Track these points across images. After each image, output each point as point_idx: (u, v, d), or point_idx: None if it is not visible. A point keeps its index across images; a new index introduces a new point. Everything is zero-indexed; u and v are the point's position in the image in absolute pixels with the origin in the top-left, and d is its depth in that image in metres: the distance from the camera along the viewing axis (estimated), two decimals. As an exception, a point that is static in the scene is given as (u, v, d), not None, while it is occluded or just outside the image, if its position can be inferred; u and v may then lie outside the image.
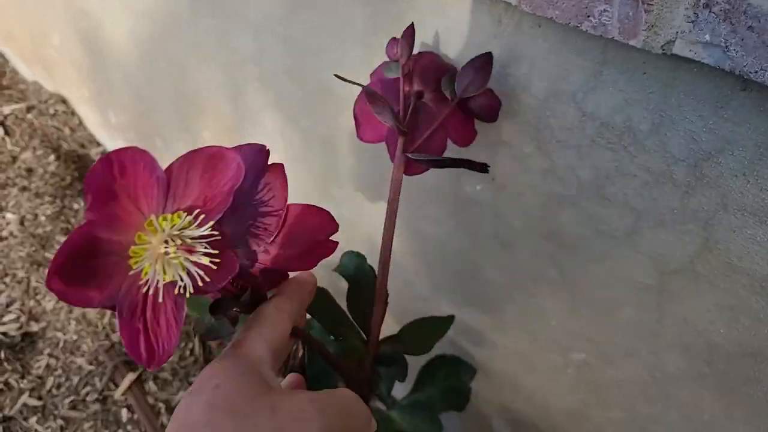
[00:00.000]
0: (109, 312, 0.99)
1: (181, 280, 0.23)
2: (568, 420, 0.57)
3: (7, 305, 1.02)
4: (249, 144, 0.29)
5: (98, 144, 1.40)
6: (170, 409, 0.87)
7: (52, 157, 1.32)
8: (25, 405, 0.88)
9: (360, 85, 0.40)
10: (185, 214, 0.24)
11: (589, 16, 0.34)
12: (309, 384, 0.43)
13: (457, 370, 0.61)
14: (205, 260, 0.23)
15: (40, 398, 0.89)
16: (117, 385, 0.89)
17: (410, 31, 0.42)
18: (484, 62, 0.41)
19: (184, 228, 0.23)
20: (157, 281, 0.23)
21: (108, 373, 0.91)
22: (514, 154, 0.46)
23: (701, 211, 0.37)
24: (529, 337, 0.56)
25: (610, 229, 0.43)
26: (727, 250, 0.37)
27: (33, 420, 0.86)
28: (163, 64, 0.88)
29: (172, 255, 0.23)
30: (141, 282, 0.23)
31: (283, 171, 0.28)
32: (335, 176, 0.68)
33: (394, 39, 0.43)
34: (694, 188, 0.36)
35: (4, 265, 1.08)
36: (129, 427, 0.84)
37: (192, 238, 0.23)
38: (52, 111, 1.46)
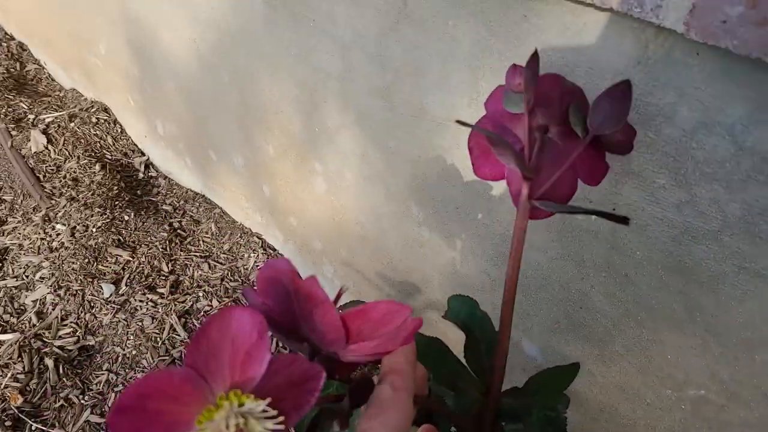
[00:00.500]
0: (168, 326, 0.98)
1: None
2: (678, 456, 0.55)
3: (62, 318, 1.01)
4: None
5: (142, 153, 1.39)
6: None
7: (97, 167, 1.31)
8: (87, 422, 0.87)
9: (485, 131, 0.36)
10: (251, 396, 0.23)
11: (774, 49, 0.32)
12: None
13: (552, 398, 0.59)
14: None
15: (102, 416, 0.88)
16: (180, 403, 0.88)
17: (535, 59, 0.37)
18: (622, 92, 0.35)
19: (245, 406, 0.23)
20: None
21: (170, 391, 0.90)
22: (643, 186, 0.44)
23: None
24: (637, 370, 0.54)
25: (758, 268, 0.40)
26: None
27: (96, 438, 0.85)
28: (226, 77, 0.87)
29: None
30: None
31: (318, 282, 0.26)
32: (419, 197, 0.67)
33: (514, 66, 0.38)
34: None
35: (57, 277, 1.07)
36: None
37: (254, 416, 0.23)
38: (94, 119, 1.45)
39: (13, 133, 1.43)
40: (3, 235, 1.18)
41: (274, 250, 1.10)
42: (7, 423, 0.86)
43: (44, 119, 1.46)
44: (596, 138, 0.36)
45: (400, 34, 0.55)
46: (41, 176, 1.31)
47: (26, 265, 1.11)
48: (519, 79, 0.37)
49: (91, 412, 0.89)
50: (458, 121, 0.37)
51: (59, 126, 1.43)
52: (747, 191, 0.39)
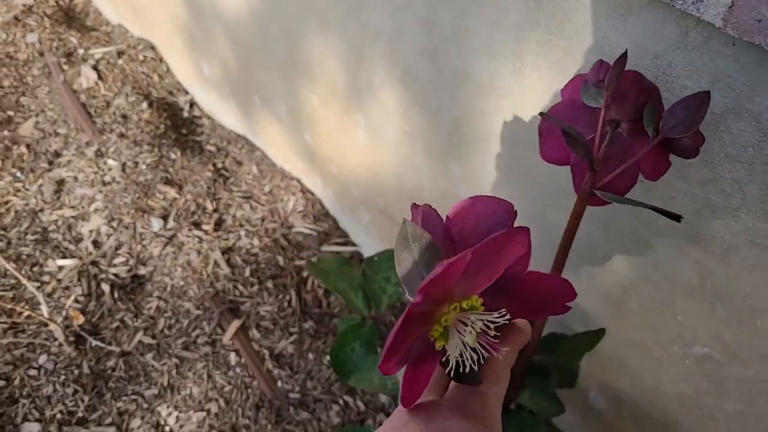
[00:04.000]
0: (212, 261, 1.06)
1: (460, 356, 0.27)
2: (678, 404, 0.61)
3: (116, 248, 1.10)
4: (498, 200, 0.30)
5: (186, 92, 1.44)
6: (273, 356, 0.94)
7: (144, 104, 1.37)
8: (140, 342, 0.97)
9: (562, 124, 0.38)
10: (479, 299, 0.27)
11: (803, 48, 0.34)
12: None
13: (546, 380, 0.65)
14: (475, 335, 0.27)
15: (154, 337, 0.98)
16: (224, 330, 0.97)
17: (623, 60, 0.38)
18: (700, 102, 0.38)
19: (476, 310, 0.27)
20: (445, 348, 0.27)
21: (215, 319, 0.99)
22: (674, 162, 0.47)
23: None
24: (649, 328, 0.59)
25: (767, 243, 0.44)
26: None
27: (149, 356, 0.95)
28: (276, 28, 0.90)
29: (467, 335, 0.26)
30: (431, 343, 0.27)
31: (528, 235, 0.27)
32: (458, 156, 0.71)
33: (601, 62, 0.40)
34: None
35: (110, 209, 1.15)
36: (238, 370, 0.93)
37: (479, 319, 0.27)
38: (141, 57, 1.50)
39: (65, 67, 1.48)
40: (59, 167, 1.26)
41: (313, 194, 1.16)
42: (71, 339, 0.97)
43: (93, 55, 1.51)
44: (665, 139, 0.39)
45: (450, 1, 0.58)
46: (92, 111, 1.38)
47: (81, 196, 1.19)
48: (602, 75, 0.39)
49: (144, 334, 0.98)
50: (541, 113, 0.40)
51: (108, 62, 1.48)
52: (767, 174, 0.42)
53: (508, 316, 0.27)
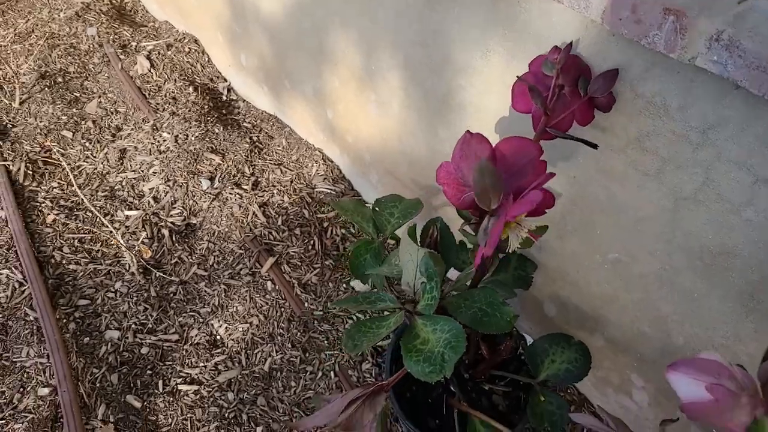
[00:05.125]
0: (251, 213, 1.30)
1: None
2: (602, 301, 0.83)
3: (172, 203, 1.34)
4: (531, 142, 0.53)
5: (224, 80, 1.68)
6: (301, 284, 1.17)
7: (190, 89, 1.60)
8: (195, 274, 1.21)
9: (524, 81, 0.61)
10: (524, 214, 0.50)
11: (645, 36, 0.56)
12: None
13: (524, 264, 0.87)
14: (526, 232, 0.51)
15: (205, 270, 1.22)
16: (261, 265, 1.21)
17: (569, 46, 0.61)
18: (611, 75, 0.61)
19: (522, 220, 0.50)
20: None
21: (254, 257, 1.22)
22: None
23: (705, 160, 0.60)
24: (580, 243, 0.81)
25: (646, 170, 0.66)
26: (717, 185, 0.60)
27: (202, 284, 1.19)
28: (307, 24, 1.13)
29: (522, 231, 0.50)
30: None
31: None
32: (443, 122, 0.93)
33: (556, 47, 0.63)
34: (701, 145, 0.59)
35: (166, 172, 1.39)
36: (273, 294, 1.16)
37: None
38: (186, 49, 1.74)
39: (121, 57, 1.73)
40: (121, 138, 1.51)
41: (332, 161, 1.39)
42: (140, 271, 1.21)
43: (145, 46, 1.76)
44: (590, 98, 0.62)
45: (437, 5, 0.80)
46: (147, 94, 1.62)
47: (141, 162, 1.44)
48: (556, 55, 0.62)
49: (198, 268, 1.22)
50: (518, 77, 0.62)
51: (159, 53, 1.72)
52: (640, 120, 0.64)
53: (537, 220, 0.51)
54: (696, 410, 0.39)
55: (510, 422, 0.82)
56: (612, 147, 0.68)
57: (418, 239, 0.80)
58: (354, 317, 1.12)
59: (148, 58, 1.71)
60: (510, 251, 0.57)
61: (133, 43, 1.78)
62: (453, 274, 0.97)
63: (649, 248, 0.71)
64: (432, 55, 0.86)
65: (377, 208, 0.92)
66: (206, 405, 1.02)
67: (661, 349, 0.79)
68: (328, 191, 1.34)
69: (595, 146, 0.63)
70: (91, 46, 1.78)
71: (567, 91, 0.63)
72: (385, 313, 0.69)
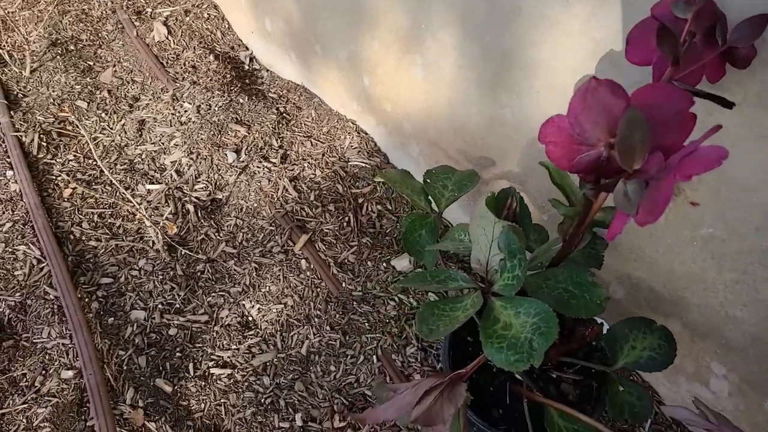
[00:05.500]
0: (281, 187, 1.22)
1: None
2: (686, 282, 0.75)
3: (196, 177, 1.26)
4: (681, 91, 0.44)
5: (246, 48, 1.58)
6: (337, 263, 1.10)
7: (211, 57, 1.51)
8: (223, 251, 1.14)
9: (664, 23, 0.50)
10: None
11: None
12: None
13: (594, 241, 0.79)
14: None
15: (234, 247, 1.14)
16: (294, 243, 1.13)
17: None
18: (759, 21, 0.50)
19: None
20: None
21: (286, 233, 1.14)
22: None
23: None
24: (665, 217, 0.72)
25: (762, 130, 0.57)
26: None
27: (231, 262, 1.12)
28: (346, -21, 1.03)
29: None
30: None
31: None
32: (506, 84, 0.84)
33: None
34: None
35: (188, 144, 1.31)
36: (308, 273, 1.09)
37: None
38: (205, 15, 1.64)
39: (136, 24, 1.64)
40: (139, 109, 1.42)
41: (367, 133, 1.30)
42: (165, 248, 1.13)
43: (162, 13, 1.66)
44: (728, 49, 0.52)
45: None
46: (164, 63, 1.53)
47: (161, 134, 1.35)
48: None
49: (226, 245, 1.15)
50: (651, 16, 0.52)
51: (176, 19, 1.63)
52: (765, 73, 0.55)
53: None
54: None
55: (582, 413, 0.75)
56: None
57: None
58: (396, 298, 1.04)
59: (165, 24, 1.62)
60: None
61: (149, 9, 1.68)
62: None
63: (755, 223, 0.63)
64: (496, 5, 0.77)
65: (428, 180, 0.84)
66: (241, 390, 0.95)
67: (753, 335, 0.71)
68: (363, 165, 1.26)
69: (731, 106, 0.53)
70: (104, 12, 1.68)
71: (699, 40, 0.54)
72: (455, 293, 0.62)
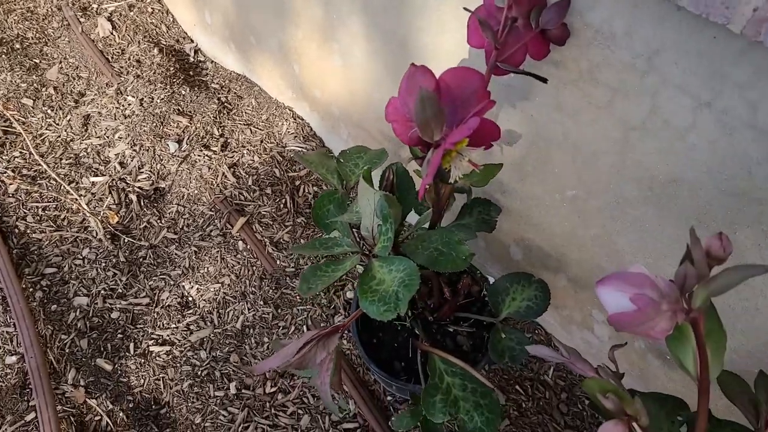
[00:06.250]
0: (221, 174, 1.28)
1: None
2: (563, 240, 0.83)
3: (139, 167, 1.32)
4: (475, 71, 0.52)
5: (191, 41, 1.63)
6: (273, 243, 1.17)
7: (155, 51, 1.56)
8: (165, 237, 1.20)
9: (470, 11, 0.60)
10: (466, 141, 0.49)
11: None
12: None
13: (488, 209, 0.87)
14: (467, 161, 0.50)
15: (175, 233, 1.21)
16: (232, 226, 1.20)
17: None
18: (564, 5, 0.58)
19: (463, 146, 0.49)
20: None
21: (225, 217, 1.21)
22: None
23: (651, 87, 0.59)
24: (540, 183, 0.81)
25: (598, 102, 0.65)
26: (663, 112, 0.59)
27: (172, 247, 1.18)
28: (264, -27, 1.09)
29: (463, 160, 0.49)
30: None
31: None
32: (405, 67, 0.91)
33: None
34: (647, 72, 0.58)
35: (132, 137, 1.36)
36: (245, 254, 1.16)
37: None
38: (149, 9, 1.69)
39: (82, 20, 1.68)
40: (84, 104, 1.47)
41: (302, 119, 1.37)
42: (108, 237, 1.20)
43: (107, 8, 1.70)
44: (543, 31, 0.60)
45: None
46: (109, 58, 1.58)
47: (106, 127, 1.41)
48: None
49: (167, 231, 1.21)
50: (465, 8, 0.60)
51: (121, 14, 1.67)
52: (591, 52, 0.63)
53: (480, 150, 0.50)
54: (621, 321, 0.39)
55: (474, 360, 0.83)
56: (565, 81, 0.67)
57: (378, 185, 0.79)
58: (324, 272, 1.12)
59: (110, 20, 1.66)
60: (452, 181, 0.57)
61: (94, 5, 1.72)
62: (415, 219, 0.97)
63: (604, 182, 0.71)
64: (387, -3, 0.84)
65: (342, 160, 0.91)
66: (179, 364, 1.02)
67: (620, 284, 0.80)
68: (299, 149, 1.32)
69: (544, 80, 0.62)
70: (50, 9, 1.72)
71: (520, 24, 0.62)
72: (342, 257, 0.69)
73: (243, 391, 0.99)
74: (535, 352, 0.69)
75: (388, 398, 0.97)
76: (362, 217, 0.74)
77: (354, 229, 0.81)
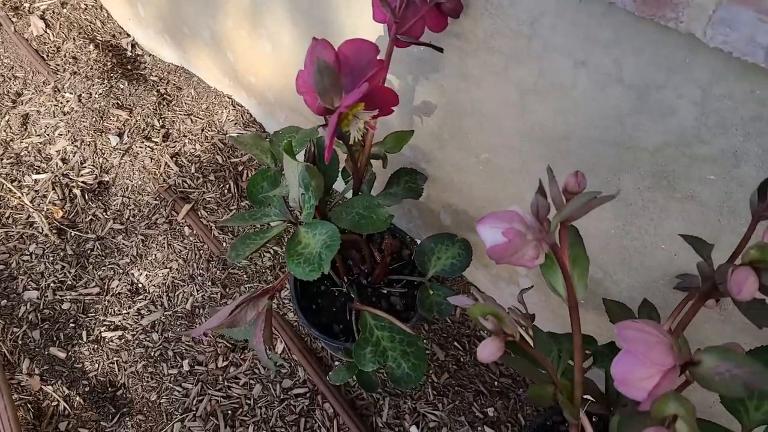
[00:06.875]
0: (163, 164, 1.31)
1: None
2: (484, 202, 0.90)
3: (82, 162, 1.33)
4: (370, 42, 0.57)
5: (128, 35, 1.63)
6: (219, 228, 1.20)
7: (91, 47, 1.56)
8: (111, 228, 1.22)
9: None
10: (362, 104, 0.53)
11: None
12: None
13: (414, 177, 0.93)
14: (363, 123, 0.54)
15: (122, 224, 1.23)
16: (178, 213, 1.23)
17: None
18: None
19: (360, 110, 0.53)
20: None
21: (170, 205, 1.24)
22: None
23: (536, 51, 0.65)
24: (457, 149, 0.87)
25: (494, 68, 0.71)
26: (549, 74, 0.66)
27: (119, 238, 1.21)
28: (190, -37, 1.11)
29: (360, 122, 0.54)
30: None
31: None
32: (330, 48, 0.95)
33: None
34: (532, 37, 0.65)
35: (72, 133, 1.37)
36: (191, 239, 1.19)
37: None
38: (83, 5, 1.68)
39: (14, 20, 1.65)
40: (22, 104, 1.46)
41: (242, 106, 1.40)
42: (54, 231, 1.21)
43: (39, 7, 1.68)
44: (438, 4, 0.66)
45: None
46: (45, 56, 1.57)
47: (46, 125, 1.41)
48: None
49: (114, 222, 1.23)
50: None
51: (54, 12, 1.66)
52: (485, 20, 0.68)
53: (374, 112, 0.54)
54: (496, 252, 0.45)
55: (407, 318, 0.89)
56: (467, 52, 0.73)
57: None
58: (271, 251, 1.16)
59: (43, 18, 1.64)
60: (352, 142, 0.62)
61: (26, 4, 1.70)
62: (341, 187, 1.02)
63: (509, 144, 0.78)
64: (304, -19, 0.88)
65: (274, 140, 0.96)
66: (132, 347, 1.05)
67: (535, 238, 0.87)
68: (240, 135, 1.36)
69: (440, 50, 0.68)
70: (-20, 11, 1.69)
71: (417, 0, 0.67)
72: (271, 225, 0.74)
73: (196, 367, 1.03)
74: (455, 301, 0.75)
75: (336, 363, 1.02)
76: (290, 189, 0.79)
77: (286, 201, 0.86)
